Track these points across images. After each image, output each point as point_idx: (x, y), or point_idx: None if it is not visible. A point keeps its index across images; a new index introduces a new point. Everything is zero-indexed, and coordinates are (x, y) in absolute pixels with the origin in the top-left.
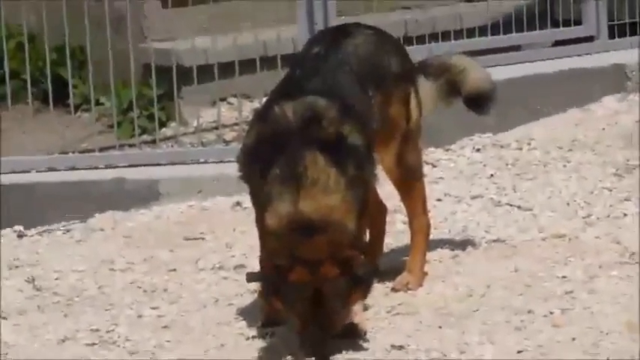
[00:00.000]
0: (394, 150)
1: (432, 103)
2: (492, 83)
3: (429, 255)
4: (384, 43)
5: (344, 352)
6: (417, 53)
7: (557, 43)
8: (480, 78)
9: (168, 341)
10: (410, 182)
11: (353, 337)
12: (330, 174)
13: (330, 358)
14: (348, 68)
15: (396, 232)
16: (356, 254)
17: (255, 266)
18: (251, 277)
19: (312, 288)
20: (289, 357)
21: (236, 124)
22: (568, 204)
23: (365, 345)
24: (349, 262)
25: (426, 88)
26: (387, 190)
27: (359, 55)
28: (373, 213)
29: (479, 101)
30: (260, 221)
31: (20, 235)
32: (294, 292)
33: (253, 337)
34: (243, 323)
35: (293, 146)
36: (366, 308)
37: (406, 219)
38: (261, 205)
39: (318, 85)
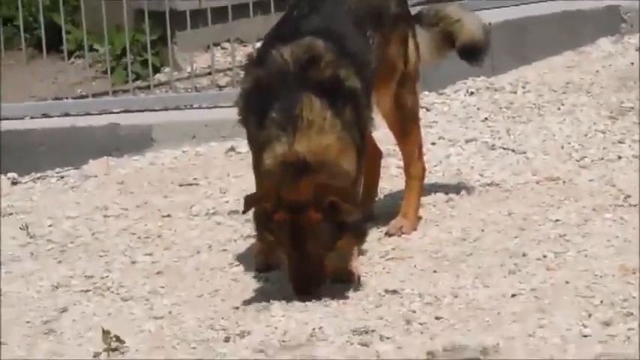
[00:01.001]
0: (392, 92)
1: (428, 52)
2: (486, 34)
3: (423, 199)
4: None
5: (337, 297)
6: None
7: None
8: (474, 29)
9: (162, 287)
10: (407, 126)
11: (347, 281)
12: (325, 116)
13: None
14: (346, 8)
15: (390, 177)
16: (339, 201)
17: None
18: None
19: (296, 231)
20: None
21: (230, 69)
22: (562, 147)
23: (359, 290)
24: (334, 208)
25: (422, 36)
26: (380, 134)
27: None
28: (368, 157)
29: (472, 51)
30: (256, 166)
31: (14, 182)
32: (280, 232)
33: (247, 282)
34: (237, 269)
35: (290, 89)
36: (360, 253)
37: (400, 163)
38: (258, 148)
39: (316, 25)
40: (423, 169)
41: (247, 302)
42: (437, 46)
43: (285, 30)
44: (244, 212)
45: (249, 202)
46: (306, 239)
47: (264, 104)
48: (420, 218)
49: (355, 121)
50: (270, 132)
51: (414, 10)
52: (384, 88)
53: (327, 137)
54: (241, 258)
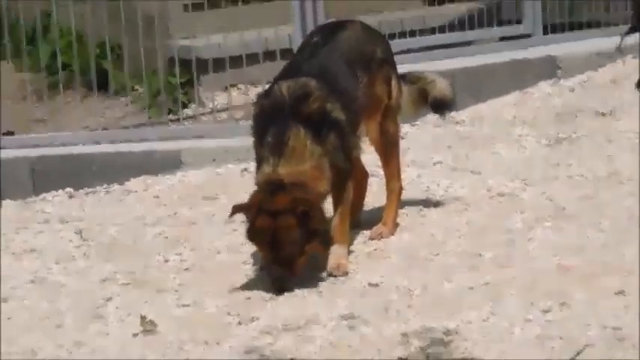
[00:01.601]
0: (377, 122)
1: (408, 105)
2: (452, 93)
3: (400, 210)
4: (371, 35)
5: (329, 288)
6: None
7: (502, 39)
8: (444, 88)
9: (189, 281)
10: (389, 150)
11: (338, 275)
12: (306, 144)
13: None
14: (340, 54)
15: (373, 192)
16: (311, 211)
17: None
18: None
19: (272, 233)
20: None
21: (244, 105)
22: (510, 169)
23: (347, 283)
24: (306, 216)
25: (405, 91)
26: (365, 158)
27: (350, 43)
28: (357, 177)
29: (441, 105)
30: None
31: (70, 196)
32: (260, 235)
33: (257, 277)
34: (249, 266)
35: (283, 119)
36: (348, 253)
37: (381, 182)
38: (257, 163)
39: (314, 68)
40: (400, 187)
41: (256, 294)
42: (414, 99)
43: (288, 71)
44: (230, 217)
45: (235, 209)
46: (282, 241)
47: (264, 128)
48: (397, 225)
49: (339, 146)
50: (264, 153)
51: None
52: (372, 119)
53: (305, 164)
54: (252, 258)
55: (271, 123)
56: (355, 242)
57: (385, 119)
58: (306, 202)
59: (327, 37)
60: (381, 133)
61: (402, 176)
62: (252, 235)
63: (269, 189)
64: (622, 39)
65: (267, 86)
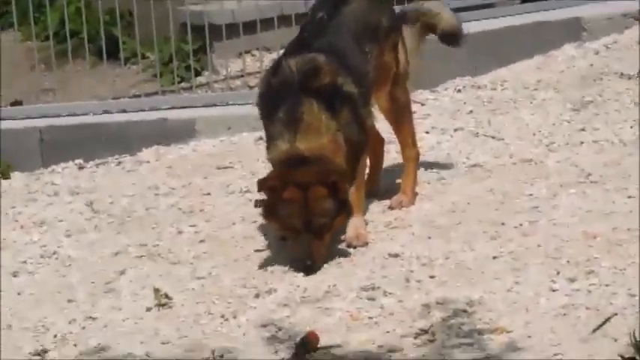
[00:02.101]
0: (387, 91)
1: (414, 44)
2: (460, 22)
3: (420, 178)
4: (375, 4)
5: (348, 259)
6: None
7: (525, 0)
8: (451, 18)
9: (204, 253)
10: (401, 117)
11: (358, 245)
12: (322, 119)
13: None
14: (347, 29)
15: (392, 160)
16: (340, 180)
17: None
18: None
19: (303, 206)
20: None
21: (258, 72)
22: (534, 134)
23: (366, 254)
24: (336, 188)
25: (408, 32)
26: (382, 125)
27: (356, 16)
28: (373, 144)
29: (452, 36)
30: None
31: (80, 167)
32: (288, 208)
33: (273, 248)
34: (266, 237)
35: (294, 95)
36: (366, 223)
37: (399, 148)
38: (268, 139)
39: (322, 44)
40: (417, 153)
41: (273, 265)
42: (420, 36)
43: (295, 47)
44: (259, 191)
45: (261, 183)
46: (314, 213)
47: (274, 106)
48: (416, 194)
49: (354, 119)
50: (277, 129)
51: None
52: (381, 88)
53: (322, 138)
54: (268, 228)
55: (281, 100)
56: (374, 212)
57: (394, 87)
58: (336, 173)
59: (332, 12)
60: (392, 102)
61: (421, 143)
62: (279, 208)
63: (291, 163)
64: None
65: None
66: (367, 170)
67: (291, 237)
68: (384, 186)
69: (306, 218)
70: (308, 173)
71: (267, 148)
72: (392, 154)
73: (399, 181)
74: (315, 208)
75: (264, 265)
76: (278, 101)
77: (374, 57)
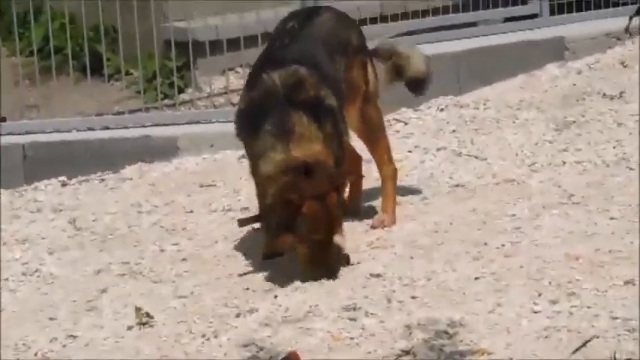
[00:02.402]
0: (358, 108)
1: (383, 82)
2: (429, 67)
3: (403, 198)
4: (345, 21)
5: (331, 280)
6: (392, 29)
7: (507, 20)
8: (420, 64)
9: (186, 271)
10: (374, 135)
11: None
12: (312, 129)
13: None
14: (319, 39)
15: (373, 180)
16: (344, 183)
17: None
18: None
19: (326, 215)
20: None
21: (241, 89)
22: (516, 154)
23: (348, 273)
24: (341, 189)
25: (379, 69)
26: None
27: (327, 29)
28: (350, 161)
29: (418, 84)
30: (254, 171)
31: (64, 184)
32: (310, 221)
33: (255, 267)
34: (248, 256)
35: (282, 107)
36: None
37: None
38: (254, 156)
39: (297, 54)
40: (395, 170)
41: (255, 284)
42: (389, 77)
43: (271, 59)
44: (272, 207)
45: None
46: (334, 220)
47: (258, 120)
48: (395, 213)
49: (334, 134)
50: (266, 142)
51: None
52: (351, 106)
53: (316, 145)
54: (251, 247)
55: (266, 113)
56: (357, 232)
57: (365, 105)
58: (340, 175)
59: (304, 23)
60: (363, 120)
61: (404, 162)
62: (299, 222)
63: (294, 173)
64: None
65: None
66: (347, 189)
67: (308, 248)
68: (367, 205)
69: (329, 227)
70: (320, 181)
71: (254, 163)
72: (374, 174)
73: (379, 200)
74: (335, 215)
75: (245, 285)
76: (263, 115)
77: (343, 71)
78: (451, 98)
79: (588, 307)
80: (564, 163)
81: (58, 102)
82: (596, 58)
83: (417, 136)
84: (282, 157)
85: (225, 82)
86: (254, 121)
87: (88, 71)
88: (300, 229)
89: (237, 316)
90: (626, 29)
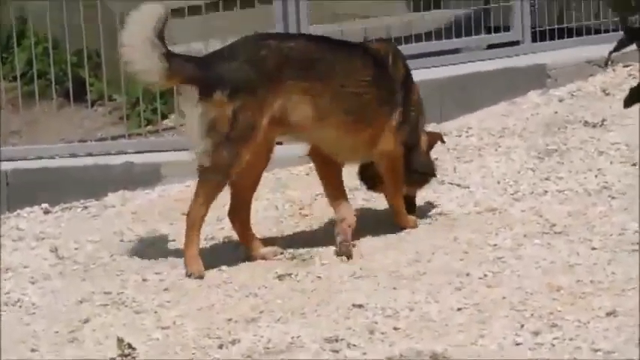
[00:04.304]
0: None
1: None
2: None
3: (384, 226)
4: None
5: (313, 309)
6: None
7: (490, 47)
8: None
9: (168, 301)
10: None
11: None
12: None
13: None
14: None
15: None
16: None
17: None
18: None
19: None
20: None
21: None
22: (499, 182)
23: (331, 304)
24: None
25: None
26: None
27: None
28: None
29: None
30: None
31: (46, 212)
32: None
33: (238, 298)
34: (230, 286)
35: None
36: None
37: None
38: None
39: None
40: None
41: (238, 315)
42: None
43: None
44: None
45: None
46: None
47: None
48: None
49: None
50: None
51: None
52: None
53: None
54: (233, 277)
55: None
56: (338, 261)
57: None
58: None
59: None
60: None
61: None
62: None
63: None
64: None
65: None
66: None
67: None
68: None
69: None
70: None
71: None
72: (358, 201)
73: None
74: None
75: (228, 315)
76: None
77: None
78: (434, 125)
79: (570, 339)
80: (546, 192)
81: (41, 128)
82: (578, 86)
83: None
84: None
85: None
86: None
87: (72, 97)
88: None
89: (220, 347)
90: (606, 63)
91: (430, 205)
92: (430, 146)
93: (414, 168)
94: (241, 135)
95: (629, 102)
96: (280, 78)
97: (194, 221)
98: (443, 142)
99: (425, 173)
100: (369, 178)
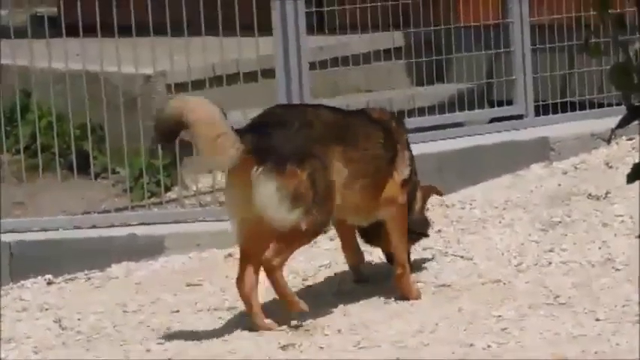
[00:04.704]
0: None
1: None
2: None
3: (388, 297)
4: None
5: None
6: None
7: (493, 120)
8: None
9: None
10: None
11: None
12: None
13: None
14: None
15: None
16: None
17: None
18: None
19: None
20: None
21: None
22: (502, 254)
23: None
24: None
25: None
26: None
27: None
28: None
29: None
30: None
31: (49, 283)
32: None
33: None
34: (235, 356)
35: None
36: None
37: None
38: None
39: None
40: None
41: None
42: None
43: None
44: None
45: None
46: None
47: None
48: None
49: None
50: None
51: None
52: None
53: None
54: (238, 348)
55: None
56: (343, 331)
57: None
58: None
59: None
60: None
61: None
62: None
63: None
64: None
65: None
66: None
67: None
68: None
69: None
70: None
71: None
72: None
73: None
74: None
75: None
76: None
77: None
78: (437, 198)
79: None
80: (550, 263)
81: (44, 200)
82: (581, 159)
83: None
84: None
85: (212, 180)
86: None
87: (75, 169)
88: None
89: None
90: (609, 140)
91: (434, 277)
92: (424, 200)
93: (410, 228)
94: (325, 195)
95: (632, 178)
96: (325, 143)
97: (276, 268)
98: (440, 194)
99: (420, 233)
100: (366, 230)
